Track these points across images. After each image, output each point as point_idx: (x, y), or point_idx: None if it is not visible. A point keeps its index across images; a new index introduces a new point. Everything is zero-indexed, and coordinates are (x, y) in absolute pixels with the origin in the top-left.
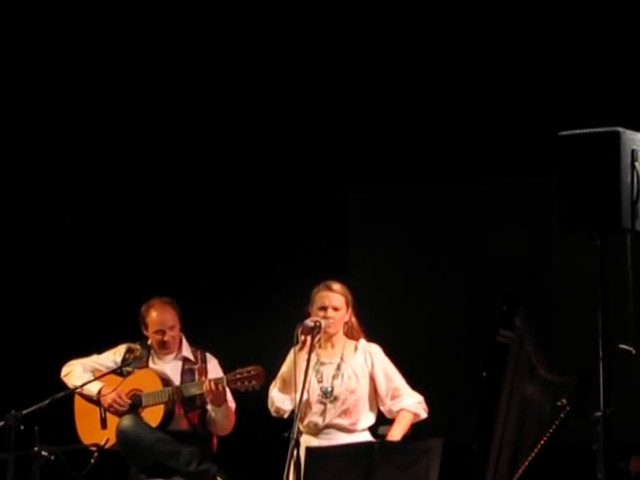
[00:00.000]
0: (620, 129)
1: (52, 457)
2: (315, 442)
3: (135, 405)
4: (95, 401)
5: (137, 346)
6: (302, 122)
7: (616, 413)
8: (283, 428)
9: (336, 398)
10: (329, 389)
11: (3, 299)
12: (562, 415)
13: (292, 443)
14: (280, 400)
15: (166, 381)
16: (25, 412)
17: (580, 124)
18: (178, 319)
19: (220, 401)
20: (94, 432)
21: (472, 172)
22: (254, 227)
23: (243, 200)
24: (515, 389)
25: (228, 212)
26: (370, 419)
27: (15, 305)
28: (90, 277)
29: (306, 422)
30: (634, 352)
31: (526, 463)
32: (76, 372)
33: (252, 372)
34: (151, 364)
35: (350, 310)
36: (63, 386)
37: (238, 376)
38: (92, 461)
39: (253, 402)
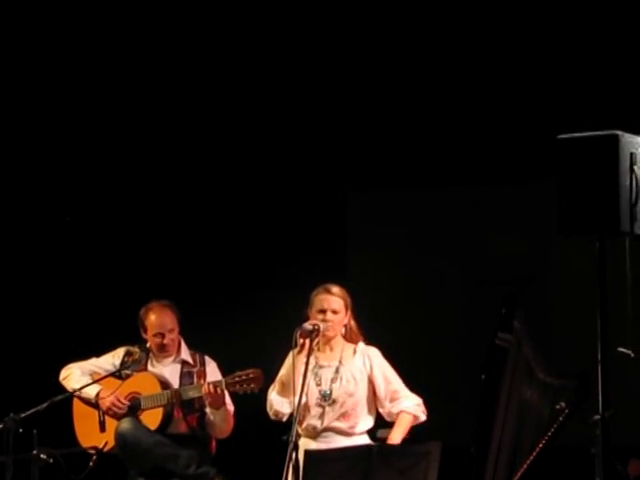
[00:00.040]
0: (619, 132)
1: (51, 460)
2: (314, 445)
3: (134, 408)
4: (94, 404)
5: (136, 349)
6: (301, 124)
7: (615, 416)
8: (282, 431)
9: (334, 401)
10: (328, 392)
11: (2, 300)
12: (561, 418)
13: (291, 446)
14: (279, 403)
15: (165, 384)
16: (24, 415)
17: (579, 127)
18: (177, 322)
19: (219, 404)
20: (93, 435)
21: (471, 174)
22: (253, 229)
23: (242, 202)
24: (514, 392)
25: (227, 214)
26: (369, 422)
27: (14, 307)
28: (89, 279)
29: (305, 425)
30: (632, 355)
31: (525, 466)
32: (75, 375)
33: (251, 375)
34: (150, 367)
35: (349, 313)
36: (62, 389)
37: (237, 379)
38: (91, 464)
39: (252, 405)
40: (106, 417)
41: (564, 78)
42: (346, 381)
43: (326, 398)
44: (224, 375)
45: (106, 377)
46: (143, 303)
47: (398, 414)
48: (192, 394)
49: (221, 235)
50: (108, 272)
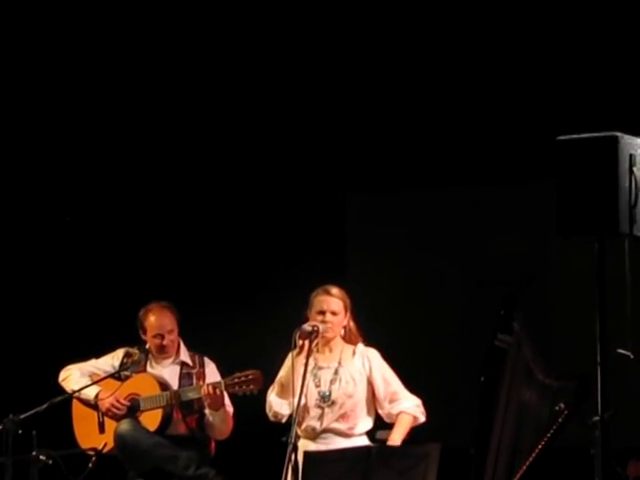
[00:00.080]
0: (618, 134)
1: (50, 461)
2: (313, 446)
3: (133, 409)
4: (93, 405)
5: (135, 350)
6: (300, 125)
7: (614, 418)
8: (281, 432)
9: (334, 402)
10: (327, 393)
11: (1, 301)
12: (560, 419)
13: (290, 447)
14: (278, 405)
15: (164, 385)
16: (23, 416)
17: (578, 129)
18: (176, 323)
19: (218, 405)
20: (92, 436)
21: (471, 175)
22: (252, 230)
23: (241, 203)
24: (513, 393)
25: (226, 215)
26: (368, 424)
27: (13, 307)
28: (89, 280)
29: (304, 426)
30: (632, 357)
31: (524, 467)
32: (74, 376)
33: (250, 376)
34: (149, 368)
35: (348, 314)
36: (61, 390)
37: (236, 380)
38: (90, 465)
39: (251, 406)
40: (105, 418)
41: (564, 79)
42: (345, 382)
43: (325, 399)
44: (223, 376)
45: (105, 378)
46: (142, 304)
47: (398, 415)
48: (191, 395)
49: (220, 236)
50: (108, 273)
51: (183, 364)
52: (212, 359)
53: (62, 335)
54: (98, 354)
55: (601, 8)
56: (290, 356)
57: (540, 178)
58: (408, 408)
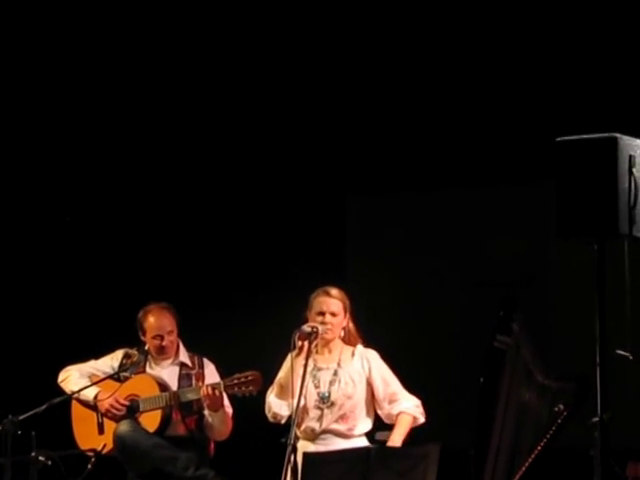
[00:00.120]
0: (617, 135)
1: (49, 462)
2: (312, 447)
3: (132, 410)
4: (92, 406)
5: (134, 351)
6: (299, 128)
7: (613, 419)
8: (280, 433)
9: (333, 403)
10: (326, 394)
11: (1, 301)
12: (559, 420)
13: (289, 448)
14: (277, 406)
15: (163, 386)
16: (22, 417)
17: (578, 130)
18: (176, 324)
19: (217, 406)
20: (91, 437)
21: (470, 176)
22: (252, 232)
23: (240, 205)
24: (512, 394)
25: (226, 217)
26: (367, 425)
27: (13, 308)
28: (88, 281)
29: (303, 427)
30: (631, 358)
31: (523, 468)
32: (73, 377)
33: (249, 377)
34: (148, 369)
35: (348, 316)
36: (60, 391)
37: (235, 381)
38: (89, 466)
39: (250, 407)
40: (104, 419)
41: (563, 80)
42: (344, 383)
43: (324, 400)
44: (223, 377)
45: (104, 379)
46: (142, 305)
47: (397, 415)
48: (190, 396)
49: (220, 238)
50: (107, 274)
51: (182, 365)
52: (211, 360)
53: (61, 336)
54: (97, 355)
55: (601, 9)
56: (289, 357)
57: (540, 179)
58: (408, 408)
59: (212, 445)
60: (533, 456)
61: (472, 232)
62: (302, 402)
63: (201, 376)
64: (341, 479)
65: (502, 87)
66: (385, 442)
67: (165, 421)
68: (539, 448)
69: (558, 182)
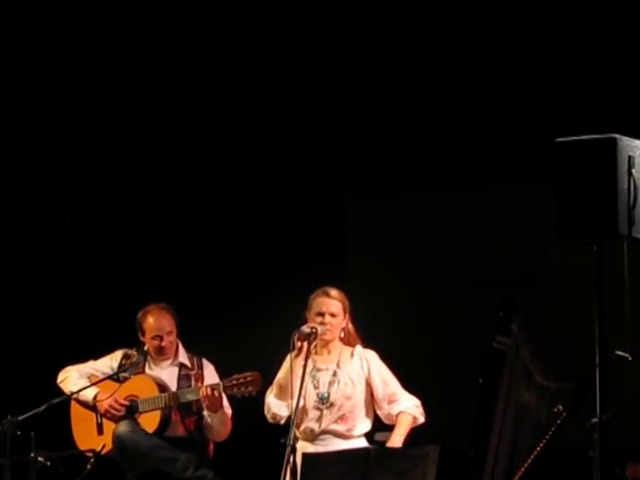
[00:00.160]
0: (617, 136)
1: (48, 463)
2: (311, 448)
3: (131, 411)
4: (91, 407)
5: (134, 352)
6: (299, 128)
7: (612, 420)
8: (279, 434)
9: (332, 404)
10: (325, 395)
11: (0, 301)
12: (558, 421)
13: (288, 449)
14: (276, 406)
15: (162, 387)
16: (21, 418)
17: (577, 131)
18: (175, 325)
19: (216, 407)
20: (90, 438)
21: (470, 177)
22: (251, 232)
23: (240, 205)
24: (511, 395)
25: (225, 217)
26: (366, 425)
27: (12, 308)
28: (88, 281)
29: (302, 428)
30: (630, 358)
31: (522, 469)
32: (72, 378)
33: (249, 378)
34: (147, 370)
35: (347, 316)
36: (59, 392)
37: (234, 382)
38: (88, 467)
39: (249, 408)
40: (104, 420)
41: (562, 81)
42: (344, 384)
43: (324, 401)
44: (222, 378)
45: (104, 380)
46: (141, 306)
47: (397, 415)
48: (190, 397)
49: (220, 238)
50: (107, 274)
51: (182, 366)
52: (211, 361)
53: (61, 336)
54: (97, 355)
55: (600, 10)
56: (289, 358)
57: (539, 180)
58: (407, 408)
59: (211, 446)
60: (532, 457)
61: (472, 232)
62: (301, 403)
63: (200, 377)
64: None
65: (502, 88)
66: (384, 443)
67: (164, 422)
68: (538, 449)
69: (557, 183)
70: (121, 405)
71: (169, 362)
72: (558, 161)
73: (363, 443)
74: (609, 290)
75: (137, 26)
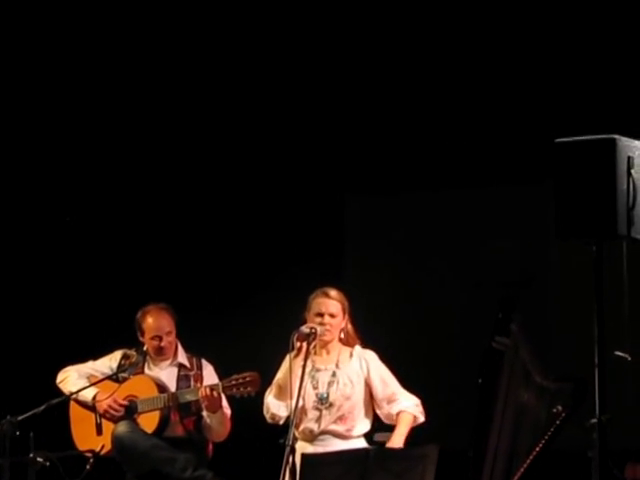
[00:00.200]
0: (616, 136)
1: (47, 463)
2: (310, 449)
3: (130, 411)
4: (90, 407)
5: (133, 352)
6: (298, 128)
7: (612, 420)
8: (279, 434)
9: (331, 404)
10: (324, 395)
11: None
12: (557, 422)
13: (287, 450)
14: (275, 406)
15: (162, 387)
16: (20, 418)
17: (576, 131)
18: (174, 325)
19: (216, 407)
20: (89, 438)
21: (469, 177)
22: (250, 232)
23: (239, 206)
24: (510, 395)
25: (224, 218)
26: (366, 425)
27: (12, 308)
28: (87, 281)
29: (301, 428)
30: (629, 359)
31: (521, 470)
32: (71, 378)
33: (248, 378)
34: (147, 370)
35: (346, 317)
36: (59, 392)
37: (234, 382)
38: (88, 467)
39: (249, 408)
40: (103, 420)
41: (562, 81)
42: (343, 384)
43: (323, 401)
44: (221, 378)
45: (103, 380)
46: (140, 306)
47: (398, 414)
48: (189, 397)
49: (219, 239)
50: (106, 274)
51: (181, 366)
52: (210, 361)
53: (60, 336)
54: (96, 356)
55: (599, 11)
56: (288, 358)
57: (539, 180)
58: (407, 407)
59: (210, 446)
60: (531, 457)
61: (471, 232)
62: (300, 403)
63: (199, 377)
64: None
65: (501, 88)
66: (384, 443)
67: (163, 422)
68: (537, 449)
69: (557, 183)
70: (120, 405)
71: (168, 362)
72: (557, 161)
73: (362, 443)
74: (608, 290)
75: (137, 26)
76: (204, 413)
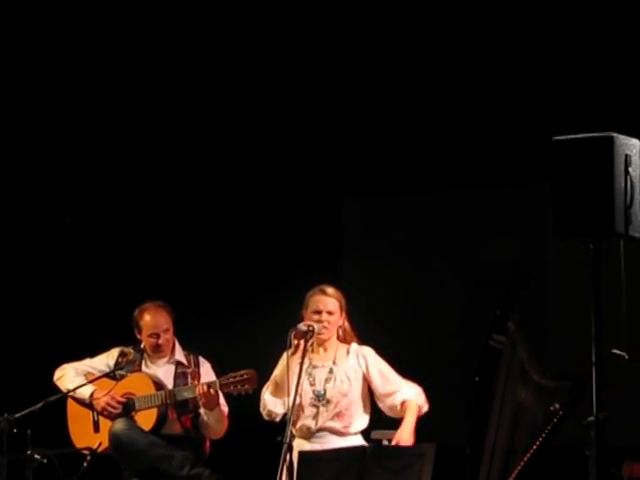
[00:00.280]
0: (614, 134)
1: (45, 461)
2: (307, 446)
3: (128, 409)
4: (88, 405)
5: (130, 350)
6: (296, 128)
7: (609, 418)
8: (276, 432)
9: (329, 401)
10: (322, 392)
11: None
12: (555, 420)
13: (285, 447)
14: (272, 403)
15: (159, 385)
16: (18, 415)
17: (574, 129)
18: (172, 322)
19: (213, 405)
20: (87, 436)
21: (468, 176)
22: (248, 231)
23: (237, 205)
24: (508, 394)
25: (222, 217)
26: (363, 422)
27: (10, 306)
28: (84, 280)
29: (299, 425)
30: (627, 357)
31: (519, 468)
32: (69, 376)
33: (245, 376)
34: (144, 368)
35: (343, 314)
36: (56, 390)
37: (231, 380)
38: (85, 465)
39: (246, 406)
40: (100, 418)
41: (559, 80)
42: (340, 381)
43: (320, 398)
44: (218, 376)
45: (100, 378)
46: (137, 304)
47: (402, 404)
48: (186, 395)
49: (217, 238)
50: (104, 273)
51: (178, 363)
52: (207, 359)
53: (57, 334)
54: (93, 353)
55: (597, 9)
56: (285, 355)
57: (538, 179)
58: (410, 396)
59: (208, 444)
60: (529, 455)
61: (470, 232)
62: (297, 400)
63: (197, 375)
64: (336, 478)
65: (499, 87)
66: (381, 441)
67: (161, 419)
68: (535, 447)
69: (554, 181)
70: (118, 403)
71: (165, 360)
72: (555, 160)
73: (359, 440)
74: (606, 289)
75: (137, 26)
76: (201, 410)
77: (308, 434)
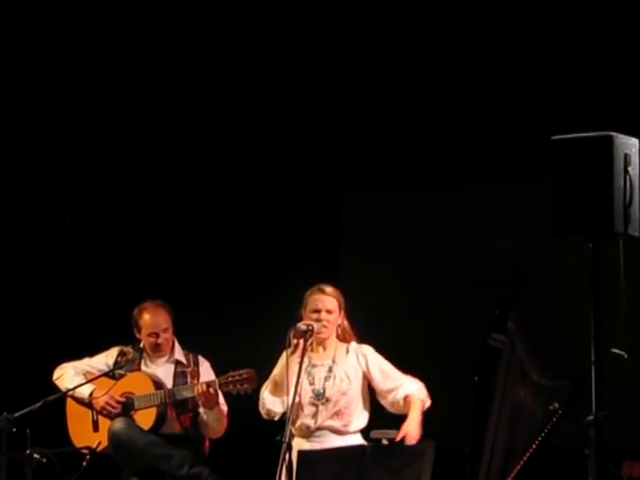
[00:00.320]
0: (613, 133)
1: (44, 460)
2: (307, 445)
3: (127, 408)
4: (87, 404)
5: (129, 349)
6: (296, 127)
7: (608, 417)
8: (275, 431)
9: (328, 400)
10: (321, 391)
11: None
12: (554, 419)
13: (284, 446)
14: (271, 402)
15: (158, 384)
16: (17, 415)
17: (573, 128)
18: (171, 322)
19: (212, 404)
20: (86, 435)
21: (467, 175)
22: (248, 231)
23: (237, 204)
24: (507, 393)
25: (222, 216)
26: (362, 421)
27: (9, 306)
28: (84, 280)
29: (298, 424)
30: (626, 356)
31: (518, 467)
32: (68, 375)
33: (244, 375)
34: (143, 367)
35: (342, 313)
36: (55, 389)
37: (230, 379)
38: (84, 464)
39: (245, 405)
40: (99, 417)
41: (559, 79)
42: (339, 380)
43: (319, 397)
44: (218, 375)
45: (99, 377)
46: (136, 303)
47: (405, 399)
48: (185, 394)
49: (216, 237)
50: (104, 272)
51: (177, 363)
52: (206, 358)
53: (57, 333)
54: (92, 353)
55: (596, 8)
56: (284, 354)
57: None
58: (412, 391)
59: (207, 443)
60: (528, 455)
61: (469, 231)
62: (297, 399)
63: (196, 374)
64: (336, 477)
65: (499, 86)
66: (380, 440)
67: (160, 419)
68: (534, 446)
69: (554, 180)
70: (117, 402)
71: (165, 359)
72: (554, 159)
73: (359, 439)
74: (605, 288)
75: (137, 26)
76: (201, 410)
77: (307, 433)
